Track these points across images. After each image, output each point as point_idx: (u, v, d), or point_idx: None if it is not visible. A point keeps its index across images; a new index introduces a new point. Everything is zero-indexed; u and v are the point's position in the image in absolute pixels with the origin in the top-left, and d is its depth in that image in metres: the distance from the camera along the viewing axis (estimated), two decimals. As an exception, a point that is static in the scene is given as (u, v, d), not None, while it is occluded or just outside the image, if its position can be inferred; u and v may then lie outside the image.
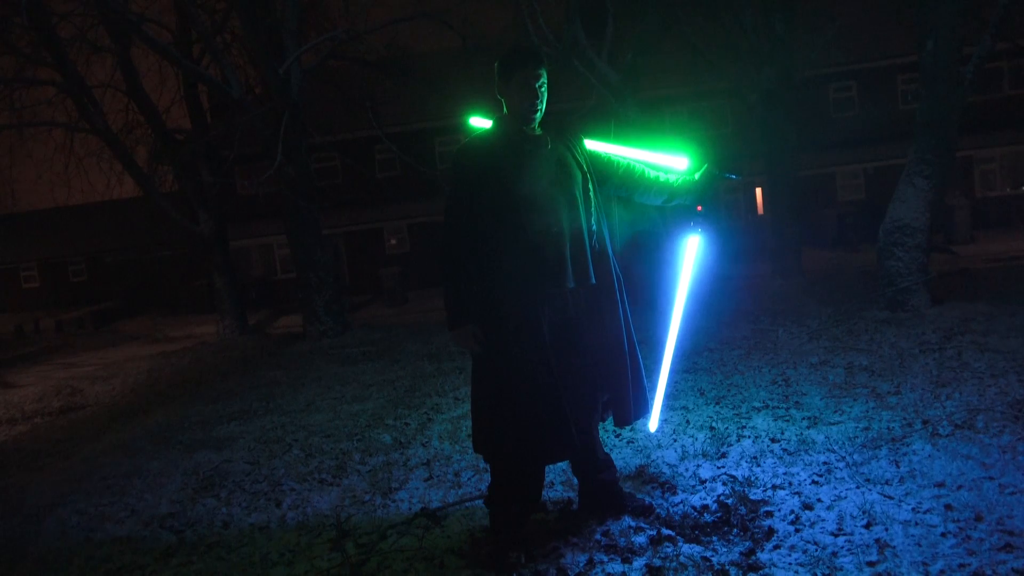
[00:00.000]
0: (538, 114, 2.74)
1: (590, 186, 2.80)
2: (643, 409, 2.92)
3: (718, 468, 3.41)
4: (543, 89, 2.72)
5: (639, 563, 2.60)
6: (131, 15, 10.84)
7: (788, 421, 4.05)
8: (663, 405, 3.38)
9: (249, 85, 13.14)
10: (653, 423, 3.40)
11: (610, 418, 2.96)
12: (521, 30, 11.65)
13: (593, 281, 2.77)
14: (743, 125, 18.05)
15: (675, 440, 3.91)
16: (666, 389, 3.32)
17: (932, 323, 6.44)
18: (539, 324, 2.66)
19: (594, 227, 2.79)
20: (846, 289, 9.56)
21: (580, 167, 2.80)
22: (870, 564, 2.42)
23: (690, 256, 3.08)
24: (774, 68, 11.83)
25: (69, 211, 26.94)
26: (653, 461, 3.59)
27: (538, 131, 2.80)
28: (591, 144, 3.00)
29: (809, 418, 4.06)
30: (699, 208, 3.04)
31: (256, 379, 8.03)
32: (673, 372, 5.53)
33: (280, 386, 7.36)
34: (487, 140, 2.78)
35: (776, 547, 2.61)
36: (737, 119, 18.93)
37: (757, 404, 4.47)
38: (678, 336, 3.18)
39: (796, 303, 8.84)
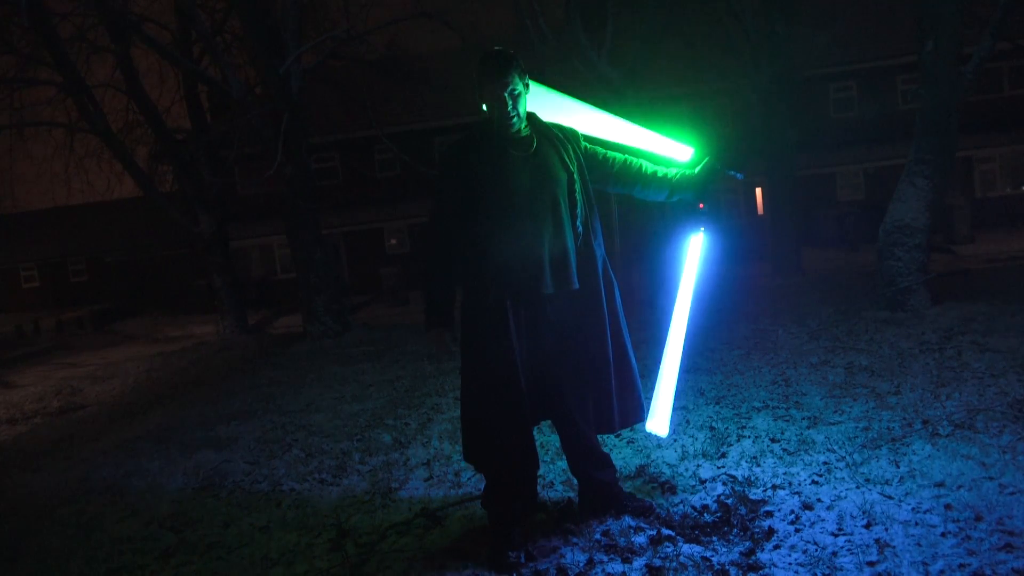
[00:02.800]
0: (514, 119, 2.67)
1: (576, 187, 2.74)
2: (634, 416, 2.87)
3: (718, 468, 3.42)
4: (514, 94, 2.64)
5: (639, 563, 2.60)
6: (131, 15, 10.85)
7: (788, 421, 4.05)
8: (672, 407, 3.27)
9: (249, 85, 13.14)
10: (663, 428, 3.16)
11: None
12: (521, 30, 11.66)
13: (576, 285, 2.72)
14: (743, 125, 18.05)
15: (675, 440, 3.91)
16: (675, 390, 3.16)
17: (932, 323, 6.44)
18: (507, 330, 2.62)
19: (580, 229, 2.74)
20: (846, 289, 9.56)
21: (566, 167, 2.74)
22: (870, 564, 2.42)
23: (694, 255, 3.04)
24: (774, 68, 11.84)
25: (69, 211, 27.01)
26: (653, 461, 3.59)
27: (524, 132, 2.75)
28: (585, 125, 2.88)
29: (809, 418, 4.06)
30: (701, 205, 3.01)
31: (256, 379, 8.03)
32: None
33: (280, 386, 7.36)
34: (471, 142, 2.75)
35: (776, 547, 2.61)
36: (737, 119, 18.93)
37: (757, 404, 4.47)
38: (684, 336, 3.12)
39: (796, 303, 8.83)
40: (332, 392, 6.62)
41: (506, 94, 2.64)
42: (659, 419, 3.16)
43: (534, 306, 2.68)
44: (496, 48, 2.73)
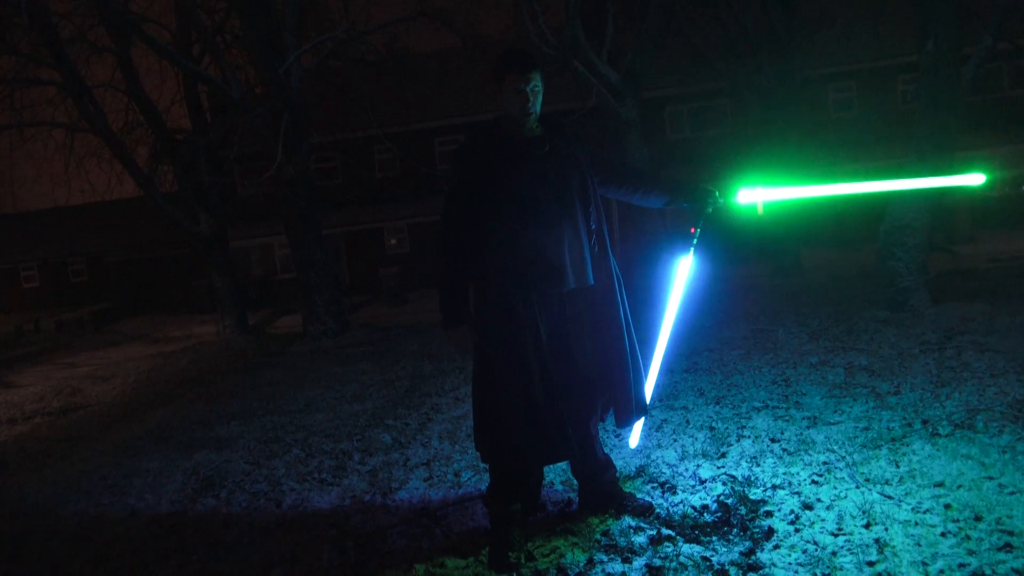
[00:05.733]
0: (531, 116, 2.71)
1: (589, 187, 2.78)
2: (643, 410, 2.91)
3: (718, 468, 3.42)
4: (534, 92, 2.68)
5: (639, 563, 2.60)
6: (131, 15, 10.83)
7: (788, 421, 4.05)
8: (644, 424, 3.34)
9: (249, 85, 13.14)
10: (635, 439, 3.37)
11: (610, 418, 2.96)
12: (521, 30, 11.66)
13: (592, 282, 2.76)
14: (743, 125, 18.04)
15: (675, 440, 3.91)
16: (648, 418, 3.26)
17: (932, 323, 6.44)
18: (536, 325, 2.65)
19: (593, 227, 2.78)
20: (846, 289, 9.56)
21: (580, 167, 2.77)
22: (869, 564, 2.42)
23: (681, 278, 3.05)
24: (774, 68, 11.84)
25: (69, 211, 26.98)
26: (653, 461, 3.59)
27: (537, 131, 2.78)
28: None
29: (809, 418, 4.07)
30: (692, 230, 3.03)
31: (256, 379, 8.03)
32: (672, 374, 5.55)
33: (280, 386, 7.36)
34: (485, 140, 2.76)
35: (776, 547, 2.61)
36: (737, 119, 18.93)
37: (757, 404, 4.47)
38: (664, 355, 3.15)
39: (796, 303, 8.83)
40: (332, 392, 6.62)
41: (528, 89, 2.67)
42: (633, 431, 3.28)
43: (555, 302, 2.70)
44: (516, 47, 2.77)
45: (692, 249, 3.04)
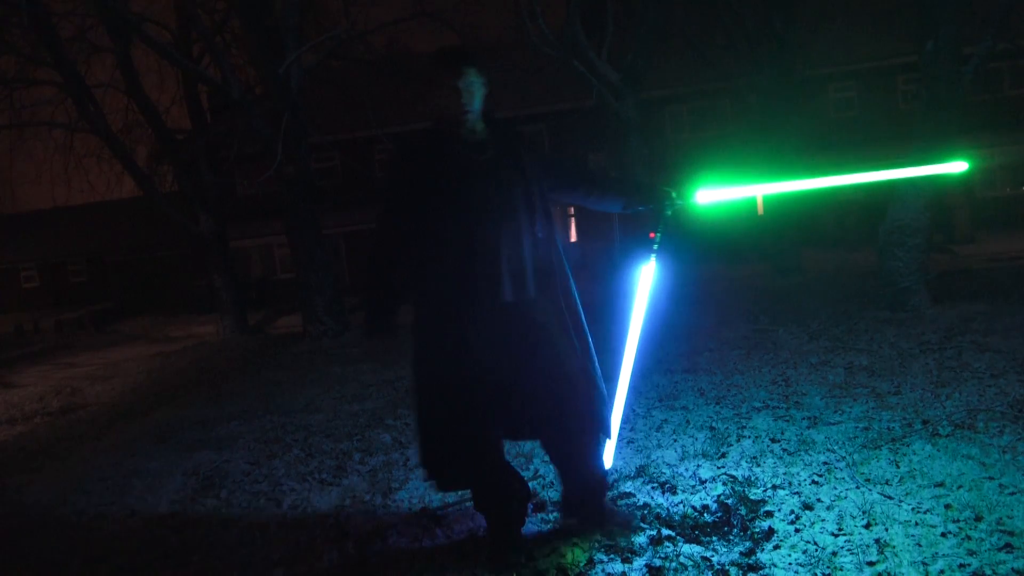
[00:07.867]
0: (469, 116, 2.57)
1: (534, 194, 2.62)
2: (601, 425, 2.75)
3: (718, 468, 3.42)
4: (470, 90, 2.54)
5: (639, 563, 2.60)
6: (131, 15, 10.84)
7: (788, 421, 4.05)
8: (617, 443, 3.18)
9: (249, 85, 13.15)
10: (608, 459, 3.15)
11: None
12: (521, 30, 11.67)
13: (533, 294, 2.60)
14: (743, 125, 18.06)
15: (675, 440, 3.91)
16: (619, 429, 3.05)
17: (932, 323, 6.44)
18: (467, 341, 2.51)
19: (540, 236, 2.62)
20: (846, 289, 9.56)
21: (523, 173, 2.62)
22: (870, 564, 2.42)
23: (644, 286, 2.92)
24: (774, 68, 11.85)
25: (69, 211, 26.97)
26: (653, 461, 3.59)
27: (481, 135, 2.63)
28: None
29: (809, 418, 4.07)
30: (652, 235, 2.90)
31: (256, 379, 8.03)
32: (672, 374, 5.55)
33: (280, 386, 7.36)
34: (423, 145, 2.63)
35: (776, 547, 2.61)
36: (737, 119, 18.94)
37: (757, 404, 4.47)
38: (632, 374, 3.02)
39: (796, 303, 8.83)
40: (332, 392, 6.62)
41: (462, 86, 2.53)
42: (605, 451, 3.10)
43: (493, 315, 2.54)
44: (449, 46, 2.66)
45: (654, 255, 2.91)
